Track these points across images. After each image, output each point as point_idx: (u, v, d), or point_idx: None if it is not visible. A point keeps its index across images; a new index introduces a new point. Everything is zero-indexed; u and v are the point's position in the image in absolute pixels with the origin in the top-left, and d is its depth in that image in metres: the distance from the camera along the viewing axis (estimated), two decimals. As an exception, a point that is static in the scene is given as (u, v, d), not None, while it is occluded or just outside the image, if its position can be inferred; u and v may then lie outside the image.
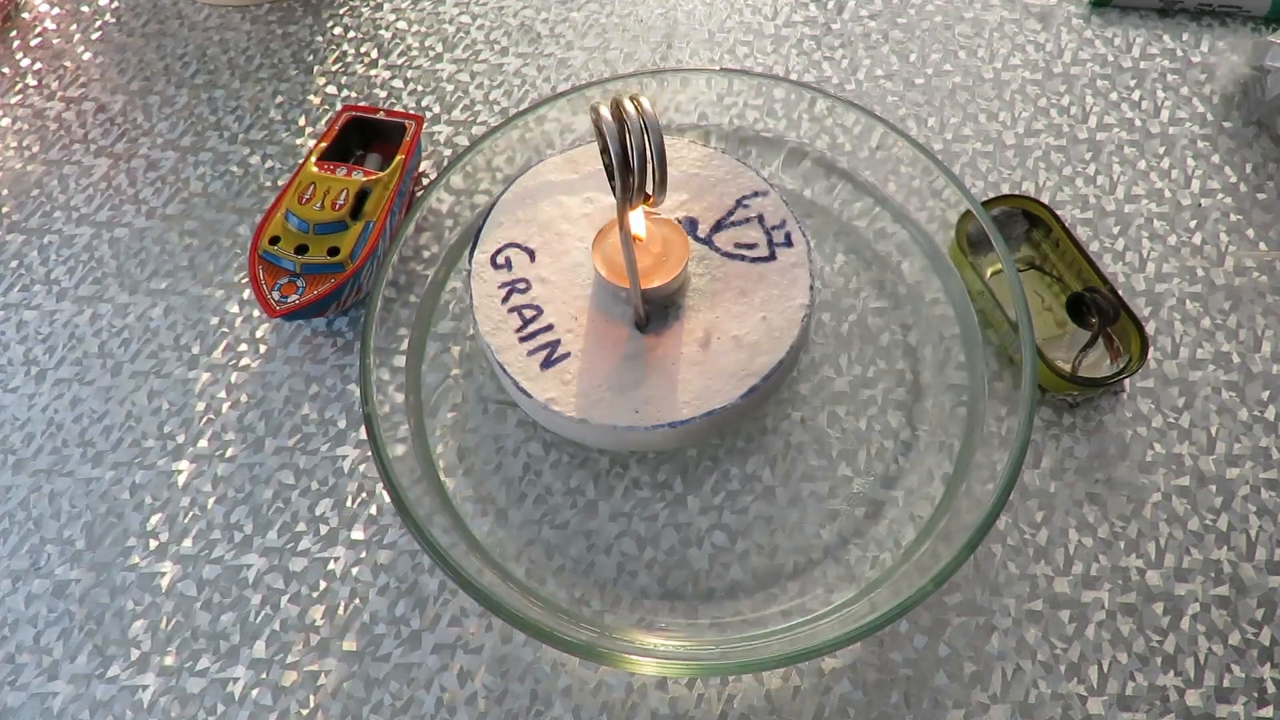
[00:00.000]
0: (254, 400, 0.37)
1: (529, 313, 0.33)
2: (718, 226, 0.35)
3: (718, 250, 0.34)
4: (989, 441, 0.32)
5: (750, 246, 0.34)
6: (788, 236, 0.34)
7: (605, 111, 0.26)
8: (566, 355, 0.32)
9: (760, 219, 0.35)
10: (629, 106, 0.26)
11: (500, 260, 0.34)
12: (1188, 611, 0.32)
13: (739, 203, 0.35)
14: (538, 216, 0.35)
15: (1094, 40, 0.47)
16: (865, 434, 0.35)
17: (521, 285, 0.34)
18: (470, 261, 0.34)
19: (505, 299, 0.33)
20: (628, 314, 0.33)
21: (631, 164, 0.26)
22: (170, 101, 0.47)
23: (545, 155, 0.40)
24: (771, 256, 0.34)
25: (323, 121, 0.46)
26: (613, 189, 0.27)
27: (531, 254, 0.35)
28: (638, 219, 0.32)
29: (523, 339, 0.33)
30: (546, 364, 0.32)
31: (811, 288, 0.33)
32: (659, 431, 0.31)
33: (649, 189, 0.28)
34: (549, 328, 0.33)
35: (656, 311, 0.33)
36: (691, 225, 0.35)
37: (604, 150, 0.26)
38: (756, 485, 0.34)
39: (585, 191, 0.36)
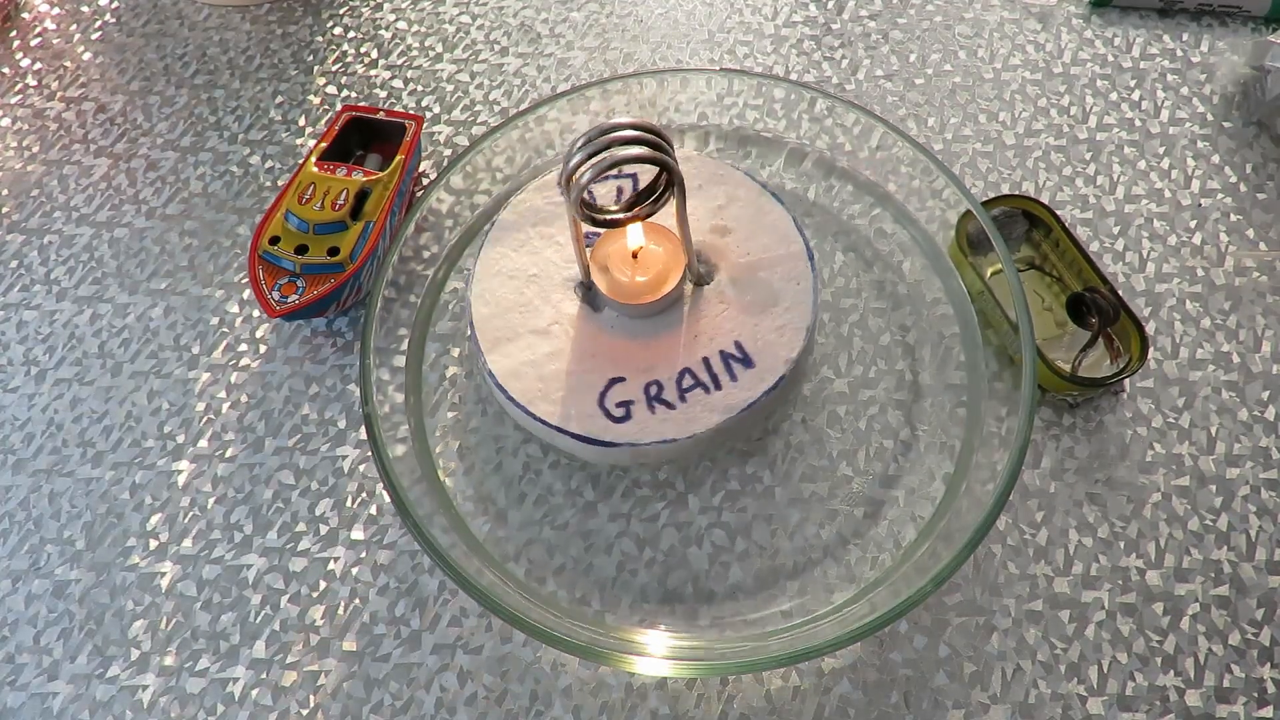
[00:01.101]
0: (254, 400, 0.37)
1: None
2: (677, 383, 0.33)
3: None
4: (989, 441, 0.32)
5: (712, 377, 0.33)
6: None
7: (615, 119, 0.27)
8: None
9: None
10: (622, 132, 0.26)
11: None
12: (1188, 611, 0.32)
13: (684, 372, 0.33)
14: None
15: (1094, 40, 0.47)
16: (865, 434, 0.35)
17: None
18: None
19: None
20: (613, 322, 0.33)
21: (569, 164, 0.27)
22: (170, 101, 0.47)
23: (545, 155, 0.40)
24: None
25: (323, 121, 0.46)
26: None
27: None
28: (636, 233, 0.32)
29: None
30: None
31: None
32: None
33: (586, 199, 0.28)
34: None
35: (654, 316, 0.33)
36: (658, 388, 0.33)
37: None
38: (756, 485, 0.34)
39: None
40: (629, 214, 0.30)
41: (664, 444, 0.31)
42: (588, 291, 0.34)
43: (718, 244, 0.35)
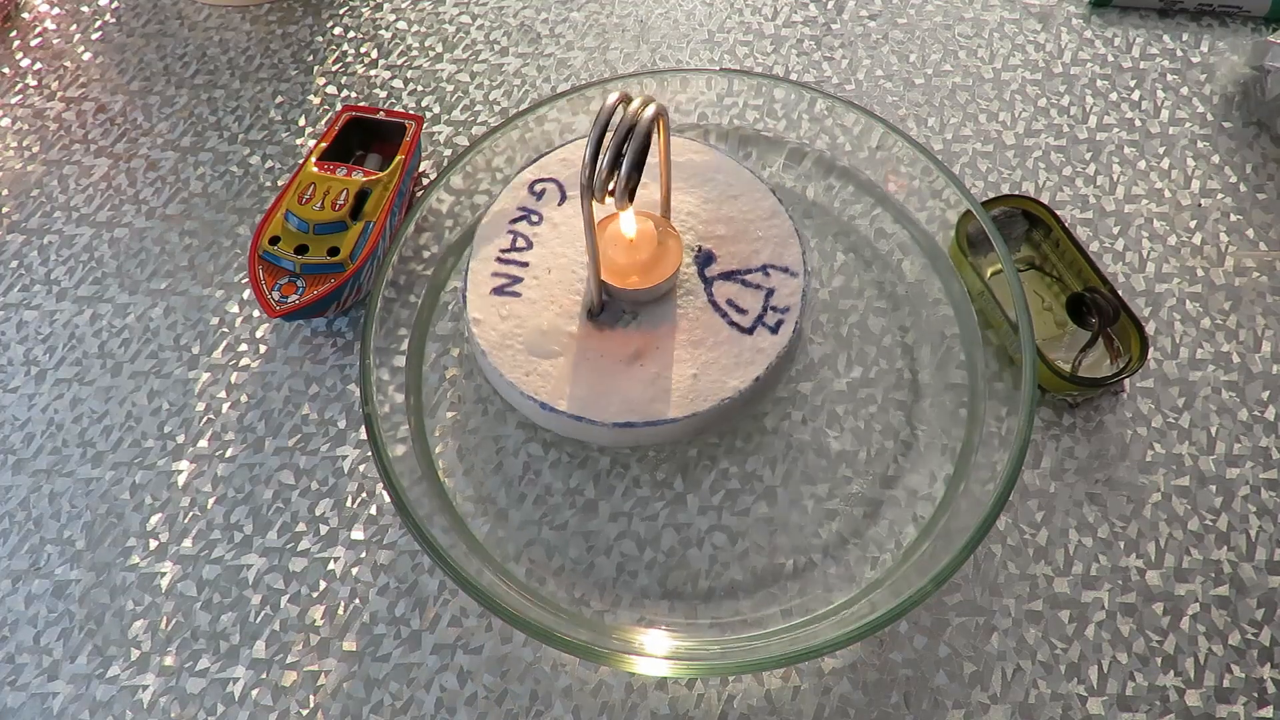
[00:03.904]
0: (254, 400, 0.37)
1: (522, 242, 0.35)
2: (728, 275, 0.34)
3: (709, 295, 0.34)
4: (989, 441, 0.32)
5: (740, 310, 0.33)
6: (779, 324, 0.33)
7: (612, 98, 0.26)
8: (517, 295, 0.33)
9: (769, 294, 0.34)
10: (634, 105, 0.26)
11: (538, 189, 0.36)
12: (1188, 611, 0.32)
13: (764, 267, 0.34)
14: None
15: (1094, 40, 0.47)
16: (865, 434, 0.35)
17: (535, 218, 0.35)
18: (511, 181, 0.35)
19: (515, 221, 0.35)
20: (611, 307, 0.33)
21: (600, 156, 0.26)
22: (170, 101, 0.47)
23: (545, 155, 0.40)
24: (749, 330, 0.33)
25: (323, 121, 0.46)
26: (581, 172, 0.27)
27: (564, 197, 0.36)
28: (629, 219, 0.32)
29: (500, 260, 0.34)
30: (498, 291, 0.34)
31: (758, 379, 0.32)
32: (529, 403, 0.32)
33: (614, 188, 0.27)
34: (526, 265, 0.34)
35: (613, 307, 0.34)
36: (707, 259, 0.35)
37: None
38: (756, 485, 0.34)
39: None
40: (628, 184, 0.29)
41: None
42: (601, 312, 0.34)
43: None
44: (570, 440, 0.35)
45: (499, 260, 0.34)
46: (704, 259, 0.35)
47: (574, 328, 0.33)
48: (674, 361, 0.32)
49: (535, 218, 0.35)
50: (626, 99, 0.26)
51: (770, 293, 0.34)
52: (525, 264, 0.34)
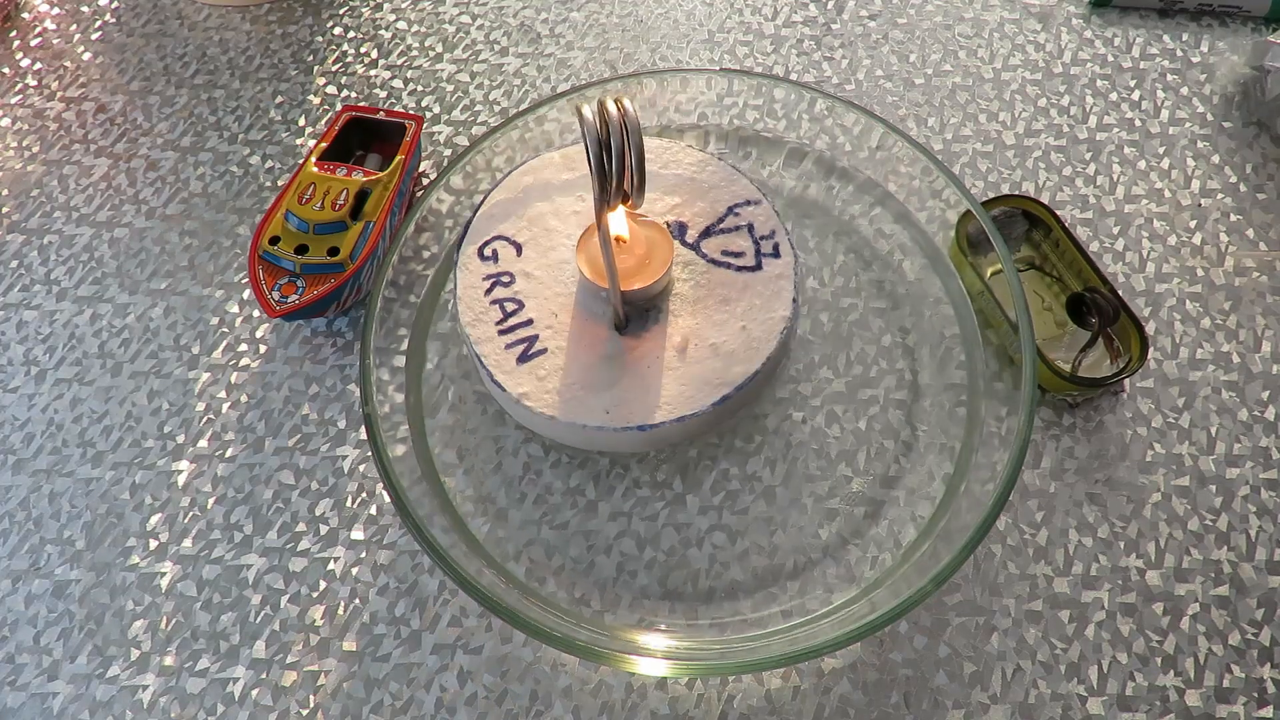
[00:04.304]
0: (254, 400, 0.37)
1: (510, 306, 0.33)
2: (706, 233, 0.35)
3: (704, 256, 0.34)
4: (989, 441, 0.32)
5: (737, 255, 0.34)
6: (775, 248, 0.34)
7: (588, 111, 0.26)
8: (543, 351, 0.32)
9: (750, 228, 0.35)
10: (611, 108, 0.26)
11: (488, 253, 0.34)
12: (1188, 611, 0.32)
13: (730, 210, 0.35)
14: (529, 211, 0.35)
15: (1094, 40, 0.47)
16: (865, 434, 0.35)
17: (506, 279, 0.34)
18: (458, 253, 0.34)
19: (489, 290, 0.34)
20: (609, 314, 0.33)
21: (608, 165, 0.26)
22: (170, 101, 0.47)
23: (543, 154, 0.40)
24: (757, 266, 0.34)
25: (323, 121, 0.46)
26: (593, 188, 0.27)
27: (519, 248, 0.35)
28: (619, 220, 0.32)
29: (502, 331, 0.33)
30: (523, 358, 0.32)
31: (795, 300, 0.33)
32: (627, 434, 0.31)
33: (628, 189, 0.27)
34: (529, 322, 0.33)
35: (636, 314, 0.33)
36: (680, 230, 0.35)
37: (587, 149, 0.26)
38: (756, 485, 0.34)
39: (579, 190, 0.36)
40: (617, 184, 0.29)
41: (638, 430, 0.31)
42: (627, 323, 0.33)
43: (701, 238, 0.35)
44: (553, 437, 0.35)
45: (502, 333, 0.33)
46: (678, 230, 0.35)
47: (615, 348, 0.33)
48: (719, 325, 0.33)
49: (506, 278, 0.34)
50: (601, 104, 0.26)
51: (750, 226, 0.35)
52: (529, 322, 0.33)
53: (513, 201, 0.36)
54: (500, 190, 0.36)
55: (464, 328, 0.33)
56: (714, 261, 0.34)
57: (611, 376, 0.32)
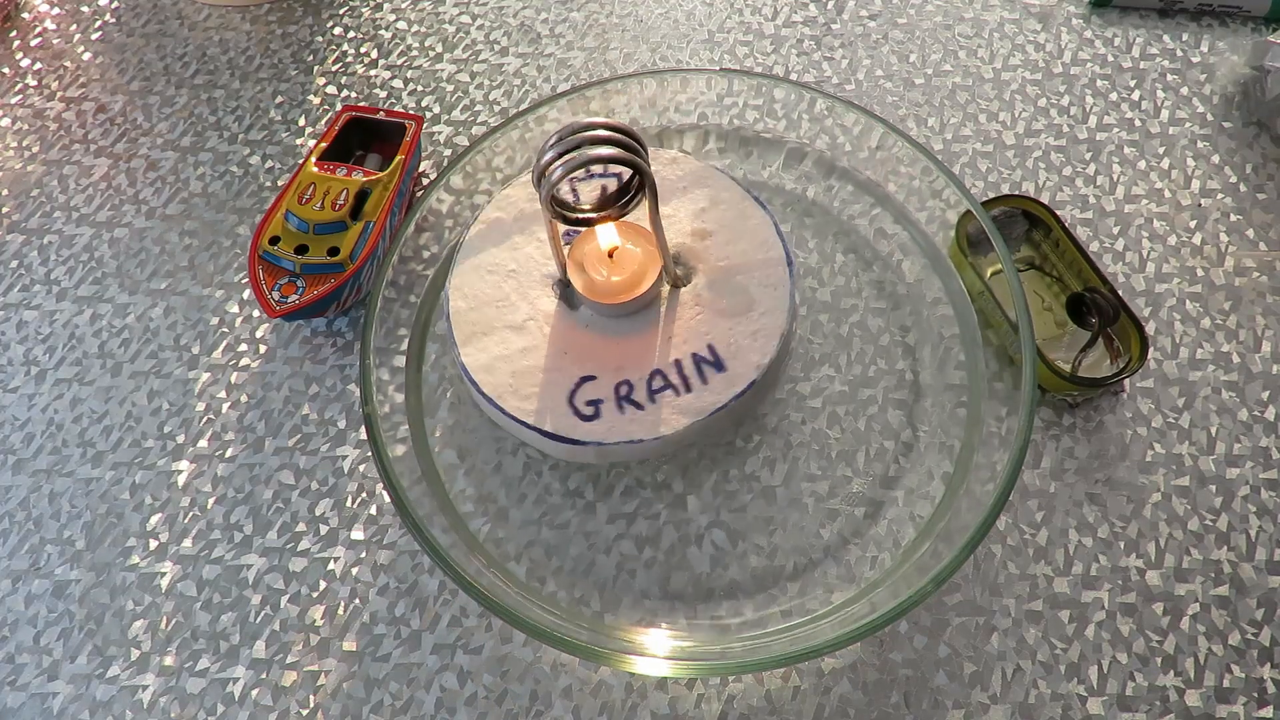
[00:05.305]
0: (254, 400, 0.37)
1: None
2: (648, 383, 0.33)
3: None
4: (989, 441, 0.32)
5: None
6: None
7: (593, 120, 0.26)
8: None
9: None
10: (597, 130, 0.26)
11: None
12: (1188, 611, 0.32)
13: (655, 373, 0.33)
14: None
15: (1094, 40, 0.47)
16: (865, 434, 0.35)
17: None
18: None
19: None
20: (597, 324, 0.33)
21: (547, 168, 0.26)
22: (170, 101, 0.47)
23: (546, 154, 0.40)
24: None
25: (323, 121, 0.46)
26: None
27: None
28: (608, 233, 0.32)
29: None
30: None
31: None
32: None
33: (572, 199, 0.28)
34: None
35: (629, 324, 0.33)
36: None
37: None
38: (756, 485, 0.34)
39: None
40: (600, 214, 0.30)
41: (631, 444, 0.31)
42: (565, 289, 0.34)
43: (697, 247, 0.34)
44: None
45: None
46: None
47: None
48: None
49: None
50: (604, 133, 0.27)
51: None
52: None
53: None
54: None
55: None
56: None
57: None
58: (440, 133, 0.45)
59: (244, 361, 0.38)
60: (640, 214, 0.31)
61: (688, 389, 0.31)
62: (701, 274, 0.34)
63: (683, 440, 0.31)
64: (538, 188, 0.27)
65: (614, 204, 0.30)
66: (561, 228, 0.34)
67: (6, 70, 0.49)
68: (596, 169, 0.36)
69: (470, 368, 0.32)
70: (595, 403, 0.31)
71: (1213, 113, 0.44)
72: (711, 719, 0.30)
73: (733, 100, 0.43)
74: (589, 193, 0.36)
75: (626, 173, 0.30)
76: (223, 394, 0.37)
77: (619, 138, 0.27)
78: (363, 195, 0.38)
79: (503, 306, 0.34)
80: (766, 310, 0.33)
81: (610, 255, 0.33)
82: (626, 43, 0.48)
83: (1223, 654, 0.31)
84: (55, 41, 0.50)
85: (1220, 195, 0.41)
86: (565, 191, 0.36)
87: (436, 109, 0.46)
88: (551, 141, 0.26)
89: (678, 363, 0.32)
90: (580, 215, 0.30)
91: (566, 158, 0.26)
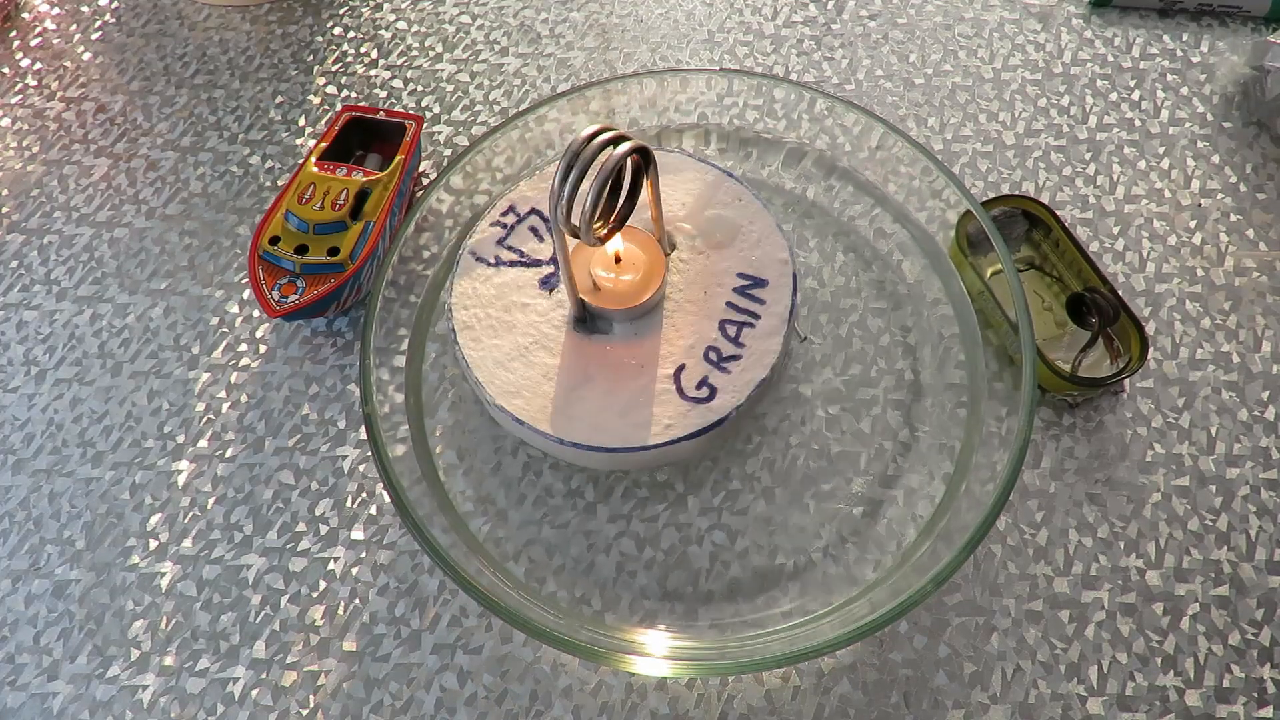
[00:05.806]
0: (254, 400, 0.37)
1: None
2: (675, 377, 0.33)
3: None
4: (989, 441, 0.32)
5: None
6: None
7: (586, 132, 0.26)
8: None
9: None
10: (614, 148, 0.26)
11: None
12: (1188, 611, 0.32)
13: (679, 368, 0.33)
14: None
15: (1094, 40, 0.47)
16: (865, 434, 0.35)
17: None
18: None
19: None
20: (601, 332, 0.33)
21: (564, 191, 0.26)
22: (170, 101, 0.47)
23: (545, 155, 0.40)
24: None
25: (323, 121, 0.46)
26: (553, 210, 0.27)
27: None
28: (615, 239, 0.32)
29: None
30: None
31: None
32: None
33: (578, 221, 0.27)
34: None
35: (632, 330, 0.33)
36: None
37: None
38: (756, 485, 0.34)
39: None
40: (615, 217, 0.30)
41: (687, 439, 0.30)
42: (580, 323, 0.33)
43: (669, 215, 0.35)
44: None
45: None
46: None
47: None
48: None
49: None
50: (607, 139, 0.26)
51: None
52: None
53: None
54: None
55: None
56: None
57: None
58: (440, 133, 0.45)
59: (244, 361, 0.38)
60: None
61: (692, 396, 0.31)
62: (681, 235, 0.35)
63: (683, 449, 0.31)
64: (566, 219, 0.27)
65: (624, 201, 0.30)
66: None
67: (6, 70, 0.49)
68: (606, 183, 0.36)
69: (486, 386, 0.32)
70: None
71: (1213, 113, 0.44)
72: (711, 719, 0.30)
73: (733, 100, 0.43)
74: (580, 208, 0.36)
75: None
76: (223, 394, 0.37)
77: (613, 134, 0.26)
78: (363, 195, 0.38)
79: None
80: (757, 231, 0.34)
81: (617, 260, 0.33)
82: (626, 43, 0.48)
83: (1223, 654, 0.31)
84: (55, 41, 0.50)
85: (1220, 195, 0.41)
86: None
87: (436, 109, 0.46)
88: (564, 169, 0.26)
89: (680, 370, 0.32)
90: (602, 232, 0.29)
91: (594, 178, 0.26)
